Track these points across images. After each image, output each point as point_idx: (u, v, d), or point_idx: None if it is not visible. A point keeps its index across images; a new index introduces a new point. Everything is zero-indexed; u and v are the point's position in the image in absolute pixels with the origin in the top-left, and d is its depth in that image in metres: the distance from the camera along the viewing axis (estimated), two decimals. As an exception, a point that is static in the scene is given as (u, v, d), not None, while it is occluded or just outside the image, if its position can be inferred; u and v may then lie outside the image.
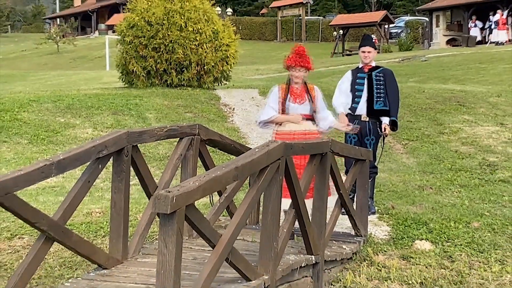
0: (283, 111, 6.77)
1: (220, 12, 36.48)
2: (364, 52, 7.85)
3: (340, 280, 6.39)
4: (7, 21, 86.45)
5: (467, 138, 12.34)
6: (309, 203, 5.87)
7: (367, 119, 7.73)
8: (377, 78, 7.78)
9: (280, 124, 6.80)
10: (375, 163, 7.99)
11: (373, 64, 7.94)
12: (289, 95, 6.79)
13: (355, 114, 7.75)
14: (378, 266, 6.67)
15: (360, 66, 7.98)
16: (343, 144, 6.74)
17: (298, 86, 6.82)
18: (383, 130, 7.79)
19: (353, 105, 7.79)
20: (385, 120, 7.77)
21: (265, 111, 6.91)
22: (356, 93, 7.81)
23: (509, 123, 13.32)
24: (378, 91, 7.72)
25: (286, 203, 5.65)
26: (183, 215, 4.09)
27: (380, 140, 7.97)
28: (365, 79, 7.80)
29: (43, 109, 13.23)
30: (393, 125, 7.85)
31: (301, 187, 5.55)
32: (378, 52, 37.53)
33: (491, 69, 22.63)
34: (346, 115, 7.69)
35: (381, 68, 8.02)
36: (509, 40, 35.45)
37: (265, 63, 34.40)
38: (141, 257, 5.81)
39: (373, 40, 8.17)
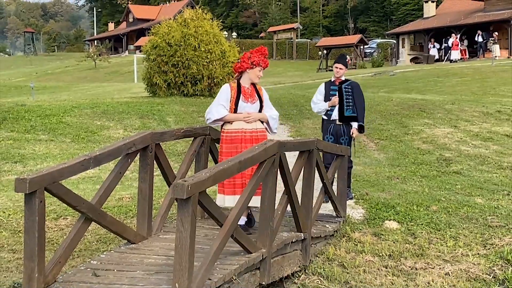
0: (235, 110, 5.82)
1: (226, 35, 36.46)
2: (337, 67, 7.86)
3: (324, 253, 6.39)
4: (54, 42, 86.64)
5: (427, 138, 12.34)
6: (257, 200, 5.30)
7: (341, 123, 7.76)
8: (346, 90, 7.76)
9: (231, 123, 5.82)
10: (350, 158, 7.91)
11: (343, 78, 7.90)
12: (241, 95, 5.85)
13: (331, 119, 7.77)
14: (355, 241, 6.67)
15: (332, 80, 7.96)
16: (326, 143, 6.72)
17: (248, 86, 5.92)
18: (351, 132, 7.78)
19: (328, 112, 7.80)
20: (354, 125, 7.76)
21: (217, 109, 5.82)
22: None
23: (461, 125, 13.33)
24: (347, 100, 7.71)
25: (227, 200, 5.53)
26: (196, 200, 4.09)
27: (352, 140, 7.98)
28: (337, 91, 7.78)
29: (83, 114, 13.24)
30: (361, 128, 7.84)
31: (292, 178, 5.55)
32: (354, 68, 37.69)
33: (446, 82, 22.64)
34: (323, 120, 7.91)
35: (350, 81, 7.95)
36: (461, 58, 35.47)
37: (263, 77, 34.21)
38: (162, 234, 5.81)
39: (347, 60, 8.04)
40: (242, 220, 5.76)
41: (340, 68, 7.82)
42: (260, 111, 5.88)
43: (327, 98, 7.81)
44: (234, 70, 6.05)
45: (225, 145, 5.82)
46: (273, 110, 6.04)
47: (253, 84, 5.95)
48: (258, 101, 5.89)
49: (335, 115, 7.75)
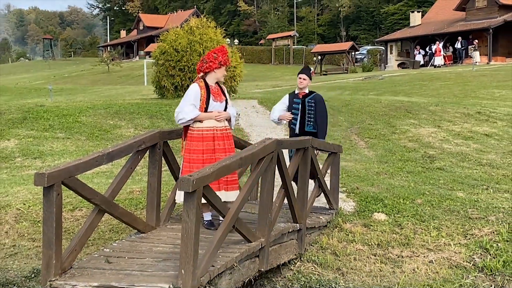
0: (205, 109, 5.49)
1: (229, 42, 36.44)
2: (300, 78, 7.04)
3: (318, 242, 6.40)
4: (71, 48, 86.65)
5: (412, 137, 12.33)
6: (235, 194, 5.30)
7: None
8: (309, 104, 6.97)
9: (201, 121, 5.49)
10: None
11: (307, 91, 7.08)
12: (211, 94, 5.52)
13: (295, 132, 7.00)
14: (346, 231, 6.67)
15: (296, 92, 7.13)
16: (320, 141, 6.69)
17: (214, 85, 5.62)
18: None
19: (291, 125, 7.07)
20: None
21: (189, 109, 5.45)
22: (293, 115, 7.05)
23: (444, 125, 13.32)
24: (309, 115, 6.96)
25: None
26: (201, 193, 4.10)
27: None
28: (300, 104, 7.01)
29: (97, 114, 13.22)
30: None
31: (289, 173, 5.55)
32: (346, 72, 37.52)
33: (430, 86, 22.61)
34: (290, 132, 7.19)
35: (314, 94, 7.08)
36: (444, 64, 35.45)
37: (263, 80, 34.33)
38: (170, 224, 5.81)
39: (311, 72, 7.23)
40: (209, 216, 5.63)
41: (303, 79, 7.03)
42: (225, 109, 5.63)
43: (289, 109, 7.08)
44: (200, 71, 5.62)
45: (195, 142, 5.48)
46: (233, 108, 5.83)
47: (217, 83, 5.67)
48: (225, 100, 5.65)
49: (298, 128, 7.00)
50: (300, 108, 6.98)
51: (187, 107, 5.45)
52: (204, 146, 5.46)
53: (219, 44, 15.80)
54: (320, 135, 6.92)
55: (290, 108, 7.07)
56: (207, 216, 5.62)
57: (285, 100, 7.18)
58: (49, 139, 11.32)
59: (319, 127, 6.96)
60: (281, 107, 7.14)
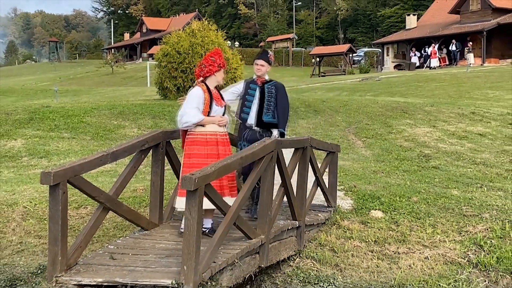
0: (208, 113, 5.27)
1: (230, 44, 36.44)
2: (257, 64, 6.01)
3: (316, 239, 6.39)
4: (76, 51, 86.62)
5: (408, 136, 12.32)
6: (232, 200, 4.96)
7: (258, 129, 5.95)
8: (269, 91, 5.98)
9: (204, 125, 5.25)
10: None
11: (266, 77, 6.05)
12: (213, 98, 5.33)
13: (246, 124, 5.97)
14: (344, 228, 6.67)
15: (254, 78, 6.08)
16: (318, 141, 6.68)
17: (215, 89, 5.44)
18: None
19: (242, 115, 6.01)
20: (274, 132, 5.96)
21: (194, 112, 5.20)
22: (246, 103, 5.99)
23: (439, 125, 13.31)
24: (268, 103, 5.95)
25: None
26: (202, 191, 4.10)
27: None
28: (257, 91, 5.99)
29: (101, 114, 13.22)
30: (282, 136, 5.95)
31: (288, 172, 5.55)
32: (344, 74, 37.47)
33: (426, 87, 22.60)
34: (240, 124, 6.12)
35: (274, 81, 6.10)
36: (439, 66, 35.44)
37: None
38: (172, 222, 5.81)
39: (269, 56, 6.08)
40: (209, 223, 5.29)
41: (261, 65, 5.99)
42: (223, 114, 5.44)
43: (244, 98, 6.03)
44: (201, 75, 5.39)
45: (198, 146, 5.21)
46: (228, 113, 5.60)
47: (215, 87, 5.47)
48: (224, 105, 5.46)
49: (251, 119, 5.94)
50: (258, 95, 5.98)
51: (192, 110, 5.19)
52: (208, 150, 5.20)
53: (220, 47, 15.82)
54: (281, 125, 5.98)
55: (244, 96, 6.03)
56: (208, 224, 5.29)
57: (239, 87, 6.10)
58: (55, 139, 11.32)
59: (279, 117, 5.98)
60: (229, 97, 5.98)
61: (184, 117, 5.19)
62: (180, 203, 5.03)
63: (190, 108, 5.21)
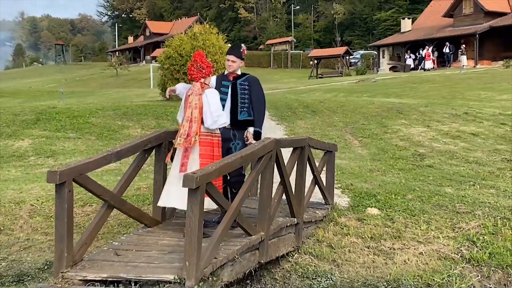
0: None
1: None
2: (228, 60, 5.49)
3: (314, 235, 6.39)
4: (81, 53, 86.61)
5: (403, 136, 12.32)
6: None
7: (232, 128, 5.44)
8: (242, 87, 5.43)
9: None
10: (243, 171, 5.54)
11: (239, 72, 5.53)
12: None
13: None
14: (341, 225, 6.67)
15: (225, 73, 5.59)
16: (316, 140, 6.68)
17: None
18: (245, 137, 5.46)
19: None
20: (250, 129, 5.46)
21: (223, 113, 5.20)
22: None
23: (433, 125, 13.31)
24: (242, 100, 5.41)
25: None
26: (204, 189, 4.09)
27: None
28: (229, 87, 5.44)
29: (106, 115, 13.22)
30: (257, 135, 5.44)
31: (287, 171, 5.54)
32: (341, 75, 37.46)
33: (420, 88, 22.59)
34: None
35: (247, 75, 5.56)
36: (433, 68, 35.44)
37: (262, 83, 34.05)
38: (174, 219, 5.81)
39: (241, 50, 5.55)
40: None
41: (232, 61, 5.47)
42: None
43: None
44: (201, 77, 5.20)
45: (204, 147, 5.14)
46: None
47: None
48: None
49: (228, 118, 5.38)
50: (230, 92, 5.43)
51: (223, 112, 5.18)
52: (209, 151, 5.17)
53: (221, 49, 15.82)
54: (257, 124, 5.44)
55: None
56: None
57: (212, 81, 5.50)
58: (61, 139, 11.32)
59: (255, 114, 5.43)
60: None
61: (221, 117, 5.13)
62: (167, 202, 5.12)
63: (220, 109, 5.19)
